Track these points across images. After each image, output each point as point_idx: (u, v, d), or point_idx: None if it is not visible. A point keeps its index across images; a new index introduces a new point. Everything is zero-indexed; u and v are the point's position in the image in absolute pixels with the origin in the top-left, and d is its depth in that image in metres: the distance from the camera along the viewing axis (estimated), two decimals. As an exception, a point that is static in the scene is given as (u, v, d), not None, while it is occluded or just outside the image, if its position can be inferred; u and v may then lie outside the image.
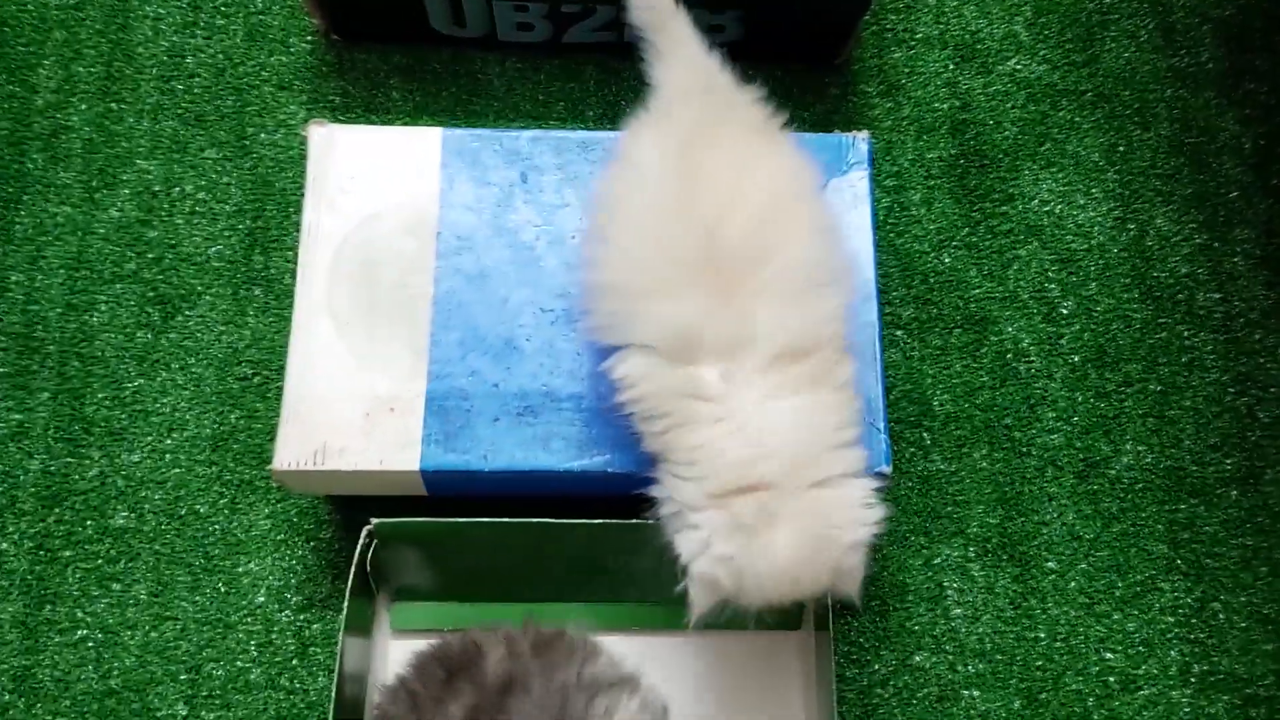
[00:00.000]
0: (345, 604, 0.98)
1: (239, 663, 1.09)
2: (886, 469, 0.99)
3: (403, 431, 0.97)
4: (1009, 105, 1.31)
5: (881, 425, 0.99)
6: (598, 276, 0.89)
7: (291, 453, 0.96)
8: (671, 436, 0.86)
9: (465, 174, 1.05)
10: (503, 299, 1.02)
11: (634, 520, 1.00)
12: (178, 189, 1.25)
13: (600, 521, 1.00)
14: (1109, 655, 1.11)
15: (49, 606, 1.10)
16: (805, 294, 0.86)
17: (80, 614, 1.10)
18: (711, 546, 0.82)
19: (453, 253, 1.03)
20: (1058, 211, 1.27)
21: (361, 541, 1.00)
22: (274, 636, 1.10)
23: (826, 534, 0.83)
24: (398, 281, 1.02)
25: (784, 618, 1.08)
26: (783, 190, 0.88)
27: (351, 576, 0.99)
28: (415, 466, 0.96)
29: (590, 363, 0.99)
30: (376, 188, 1.05)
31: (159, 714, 1.07)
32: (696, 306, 0.84)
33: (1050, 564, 1.14)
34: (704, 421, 0.84)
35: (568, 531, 1.00)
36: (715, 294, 0.83)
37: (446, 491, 1.01)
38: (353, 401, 0.98)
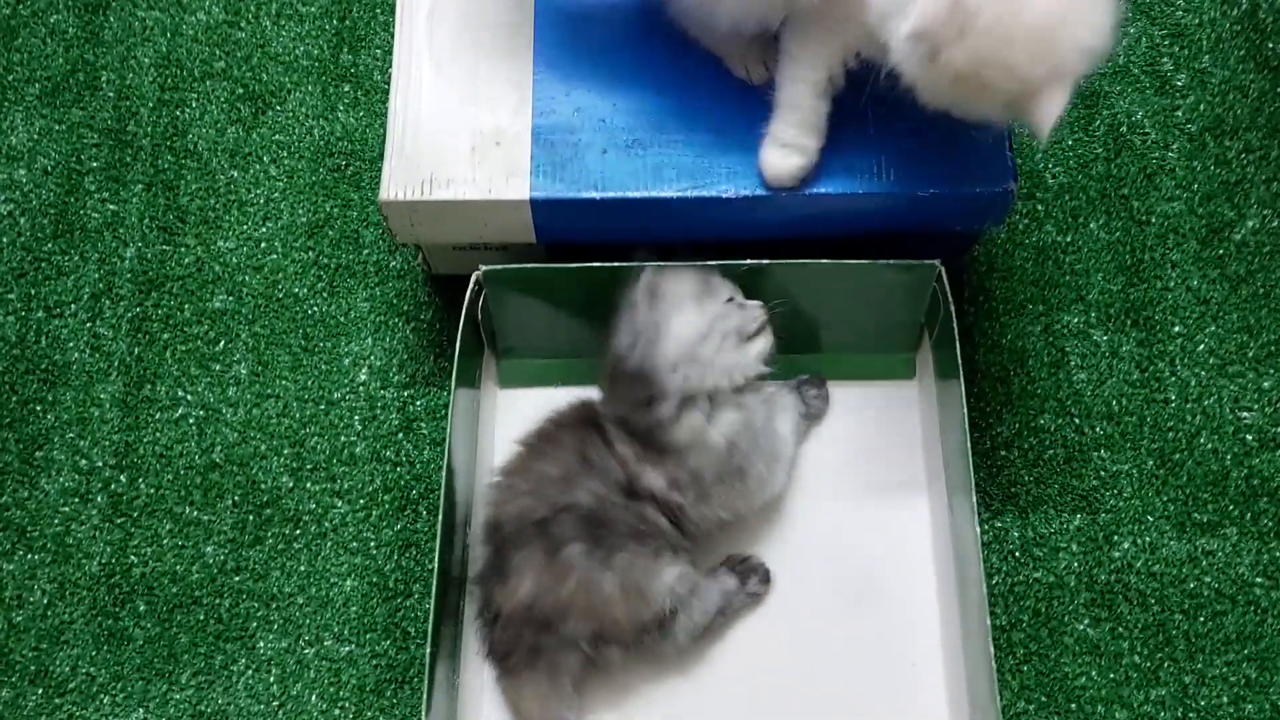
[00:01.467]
0: (456, 351, 0.95)
1: (343, 437, 1.06)
2: (1013, 186, 0.94)
3: (510, 163, 0.95)
4: (1108, -112, 1.27)
5: (1007, 144, 0.95)
6: None
7: (399, 184, 0.94)
8: None
9: (562, -80, 1.03)
10: (606, 38, 1.00)
11: (747, 261, 0.97)
12: (264, -7, 1.24)
13: (715, 263, 0.97)
14: (1245, 414, 1.06)
15: (149, 386, 1.08)
16: None
17: (180, 392, 1.08)
18: None
19: (553, -4, 1.01)
20: (1165, -11, 1.23)
21: (470, 289, 0.97)
22: (377, 412, 1.07)
23: (1075, 20, 0.75)
24: (498, 21, 1.00)
25: (899, 366, 1.06)
26: None
27: (461, 324, 0.96)
28: (525, 195, 0.94)
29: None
30: (475, -65, 1.03)
31: (263, 485, 1.04)
32: None
33: (1176, 328, 1.09)
34: None
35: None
36: None
37: (555, 234, 0.98)
38: (458, 135, 0.96)
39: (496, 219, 0.96)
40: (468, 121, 0.97)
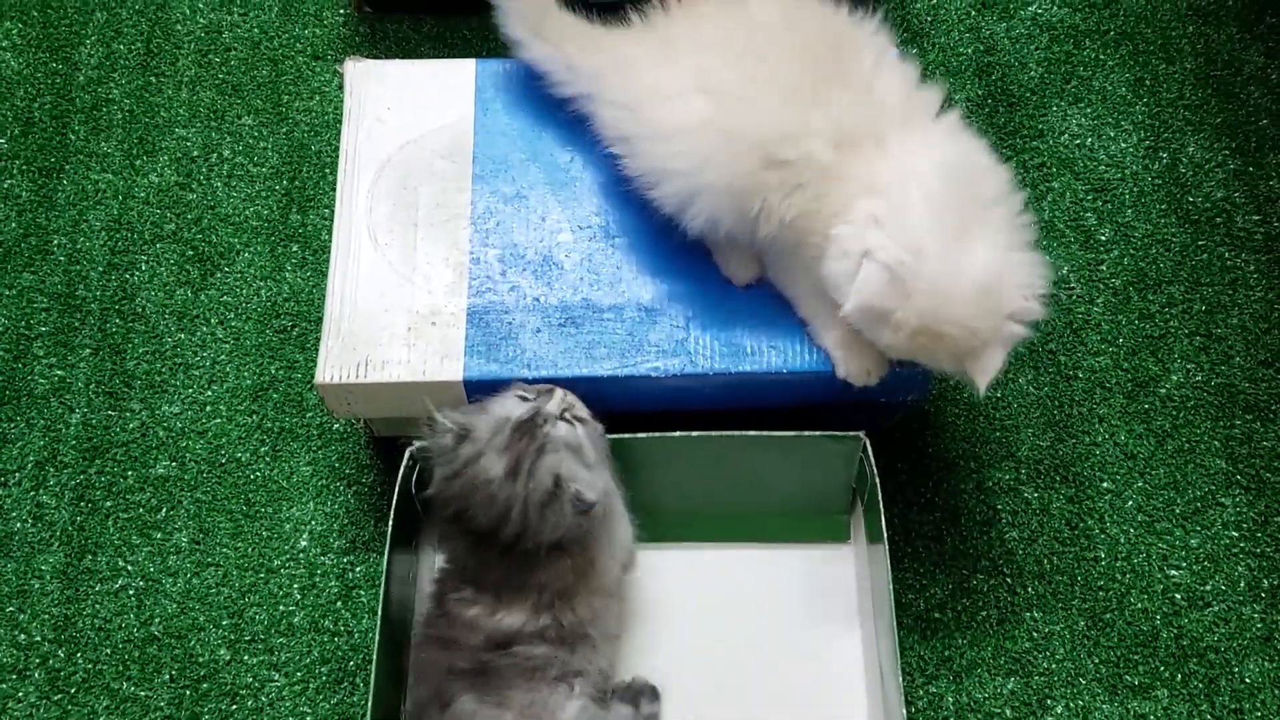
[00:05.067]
0: (390, 525, 0.96)
1: (282, 607, 1.07)
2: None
3: (445, 343, 0.97)
4: (1033, 47, 1.32)
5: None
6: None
7: (335, 366, 0.96)
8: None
9: (499, 101, 1.07)
10: (540, 217, 1.03)
11: (677, 433, 0.99)
12: (215, 154, 1.27)
13: (645, 435, 0.99)
14: (1173, 572, 1.08)
15: (90, 556, 1.09)
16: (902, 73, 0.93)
17: (121, 563, 1.08)
18: (913, 236, 0.82)
19: (489, 175, 1.04)
20: (1088, 144, 1.27)
21: (404, 464, 0.99)
22: (317, 580, 1.08)
23: (1010, 280, 0.84)
24: (436, 202, 1.03)
25: (834, 529, 1.07)
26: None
27: (395, 500, 0.97)
28: (459, 377, 0.96)
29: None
30: (412, 116, 1.06)
31: (201, 659, 1.05)
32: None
33: (1105, 484, 1.11)
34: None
35: (611, 446, 0.98)
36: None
37: (489, 410, 1.00)
38: (394, 315, 0.98)
39: (431, 397, 0.98)
40: (404, 300, 0.99)
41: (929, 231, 0.83)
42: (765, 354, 0.97)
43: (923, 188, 0.85)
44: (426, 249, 1.01)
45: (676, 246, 1.01)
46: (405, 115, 1.06)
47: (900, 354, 0.88)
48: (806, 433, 0.99)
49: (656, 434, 0.99)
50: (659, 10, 0.97)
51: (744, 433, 0.99)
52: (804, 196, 0.88)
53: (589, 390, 0.98)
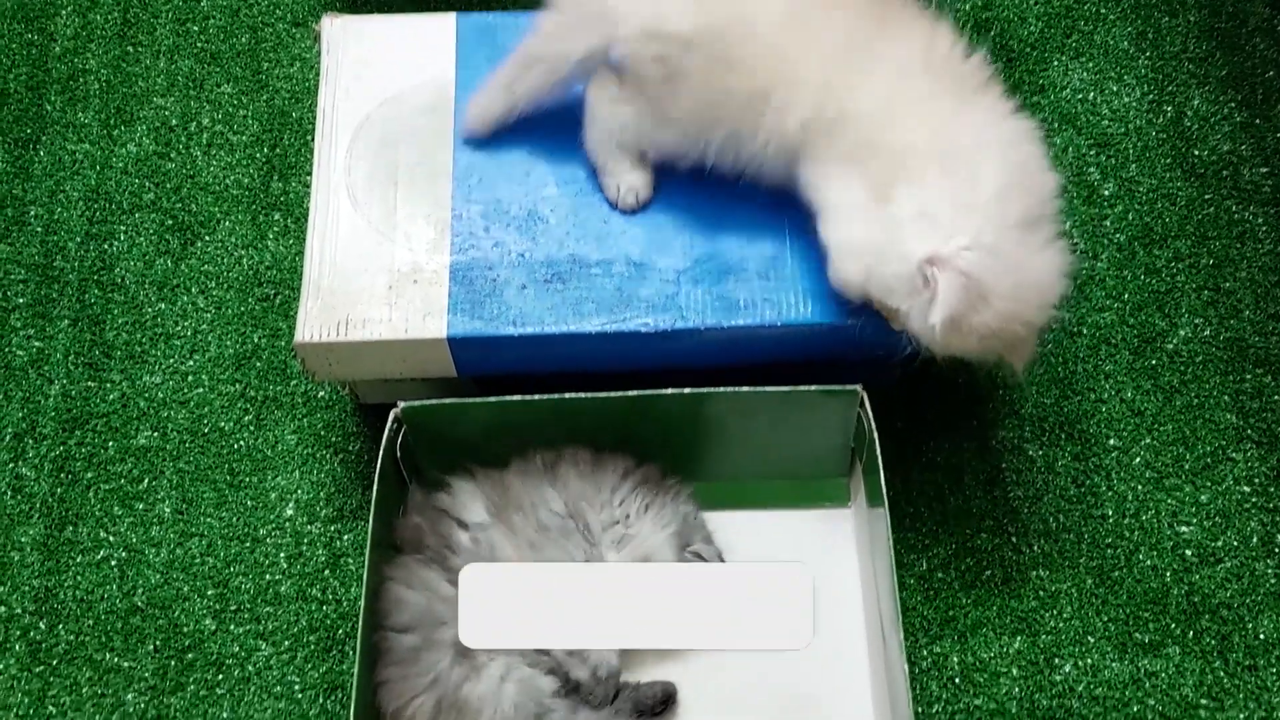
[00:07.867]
0: (374, 492, 0.94)
1: (268, 576, 1.04)
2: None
3: (427, 301, 0.94)
4: (1032, 0, 1.29)
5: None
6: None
7: (314, 325, 0.93)
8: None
9: (481, 54, 1.04)
10: (524, 172, 1.00)
11: (669, 390, 0.96)
12: (195, 123, 1.24)
13: (635, 393, 0.96)
14: (1183, 529, 1.05)
15: (70, 528, 1.06)
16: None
17: (103, 534, 1.06)
18: (988, 240, 0.81)
19: (472, 130, 1.01)
20: (1091, 99, 1.24)
21: (389, 427, 0.96)
22: (304, 549, 1.05)
23: (1058, 268, 0.85)
24: (417, 159, 1.00)
25: (833, 492, 1.06)
26: None
27: (380, 464, 0.94)
28: (442, 334, 0.93)
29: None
30: (392, 72, 1.03)
31: (185, 629, 1.02)
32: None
33: (1112, 440, 1.08)
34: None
35: (601, 404, 0.96)
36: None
37: (475, 369, 0.98)
38: (375, 274, 0.95)
39: (414, 356, 0.95)
40: (385, 259, 0.96)
41: (1004, 227, 0.83)
42: (759, 307, 0.95)
43: (996, 177, 0.84)
44: (407, 207, 0.98)
45: (665, 199, 0.98)
46: (384, 72, 1.03)
47: (954, 352, 0.86)
48: (801, 387, 0.96)
49: (646, 391, 0.96)
50: None
51: (736, 389, 0.96)
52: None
53: (576, 347, 0.95)
